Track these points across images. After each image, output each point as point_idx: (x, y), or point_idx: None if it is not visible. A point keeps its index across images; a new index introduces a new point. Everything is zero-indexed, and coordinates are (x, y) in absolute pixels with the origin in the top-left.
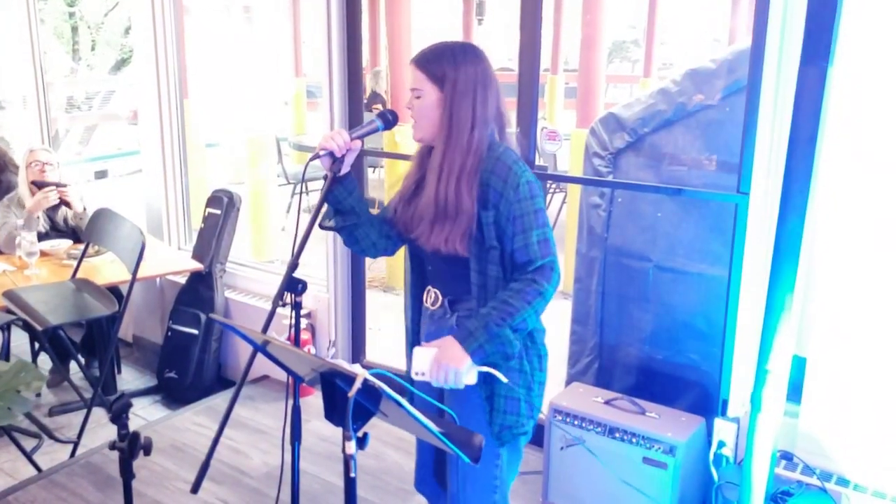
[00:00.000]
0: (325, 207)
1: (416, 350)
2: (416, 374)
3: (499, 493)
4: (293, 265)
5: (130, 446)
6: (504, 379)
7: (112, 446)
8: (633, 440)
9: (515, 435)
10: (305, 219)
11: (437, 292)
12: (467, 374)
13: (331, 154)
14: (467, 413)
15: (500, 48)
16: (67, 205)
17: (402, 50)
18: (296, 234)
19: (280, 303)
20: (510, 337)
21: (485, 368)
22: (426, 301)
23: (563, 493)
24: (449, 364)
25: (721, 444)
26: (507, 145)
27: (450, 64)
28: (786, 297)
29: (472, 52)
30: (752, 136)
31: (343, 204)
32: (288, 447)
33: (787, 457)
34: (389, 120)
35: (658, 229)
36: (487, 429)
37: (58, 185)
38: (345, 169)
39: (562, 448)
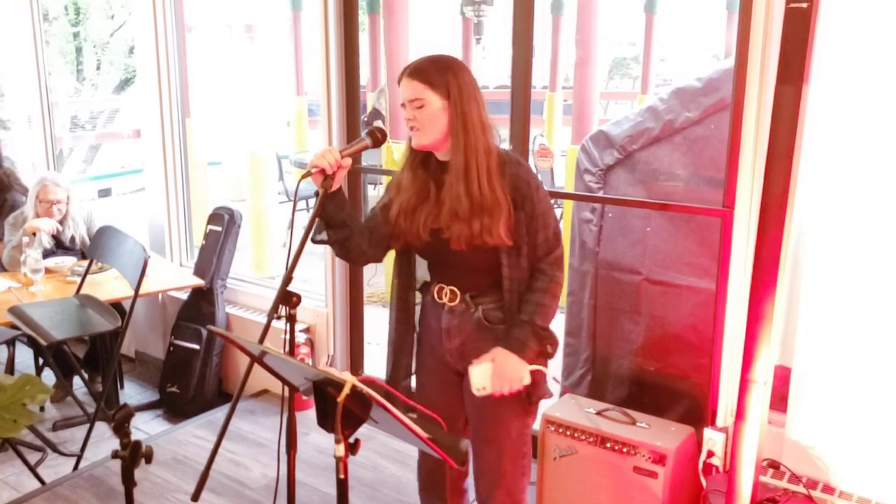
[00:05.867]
0: (316, 222)
1: (473, 369)
2: (478, 389)
3: (527, 457)
4: (287, 279)
5: (132, 454)
6: (546, 370)
7: (114, 455)
8: (625, 450)
9: (542, 399)
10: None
11: (454, 289)
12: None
13: (322, 172)
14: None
15: (499, 66)
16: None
17: (401, 68)
18: (289, 250)
19: (275, 316)
20: (553, 333)
21: (533, 367)
22: (441, 297)
23: (556, 502)
24: (514, 375)
25: (711, 454)
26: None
27: (448, 72)
28: (766, 308)
29: (458, 61)
30: (737, 152)
31: (335, 218)
32: (283, 456)
33: (775, 465)
34: (378, 138)
35: (647, 243)
36: (523, 401)
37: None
38: (335, 185)
39: (555, 458)
